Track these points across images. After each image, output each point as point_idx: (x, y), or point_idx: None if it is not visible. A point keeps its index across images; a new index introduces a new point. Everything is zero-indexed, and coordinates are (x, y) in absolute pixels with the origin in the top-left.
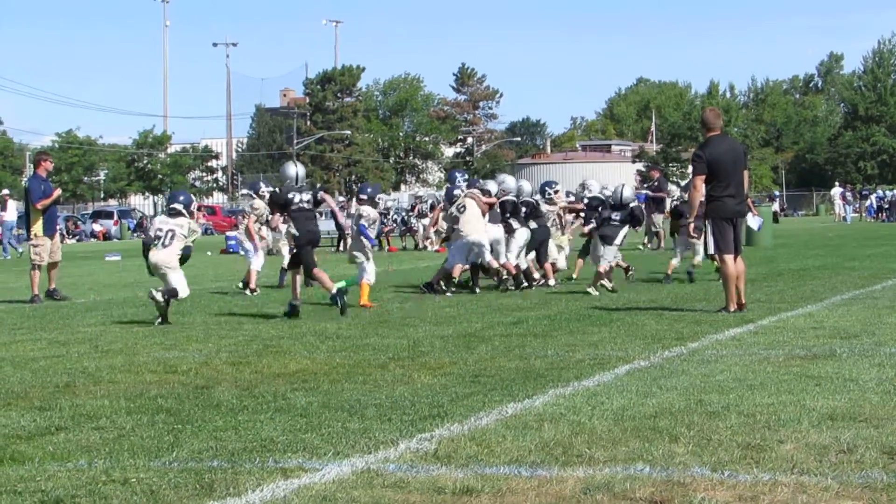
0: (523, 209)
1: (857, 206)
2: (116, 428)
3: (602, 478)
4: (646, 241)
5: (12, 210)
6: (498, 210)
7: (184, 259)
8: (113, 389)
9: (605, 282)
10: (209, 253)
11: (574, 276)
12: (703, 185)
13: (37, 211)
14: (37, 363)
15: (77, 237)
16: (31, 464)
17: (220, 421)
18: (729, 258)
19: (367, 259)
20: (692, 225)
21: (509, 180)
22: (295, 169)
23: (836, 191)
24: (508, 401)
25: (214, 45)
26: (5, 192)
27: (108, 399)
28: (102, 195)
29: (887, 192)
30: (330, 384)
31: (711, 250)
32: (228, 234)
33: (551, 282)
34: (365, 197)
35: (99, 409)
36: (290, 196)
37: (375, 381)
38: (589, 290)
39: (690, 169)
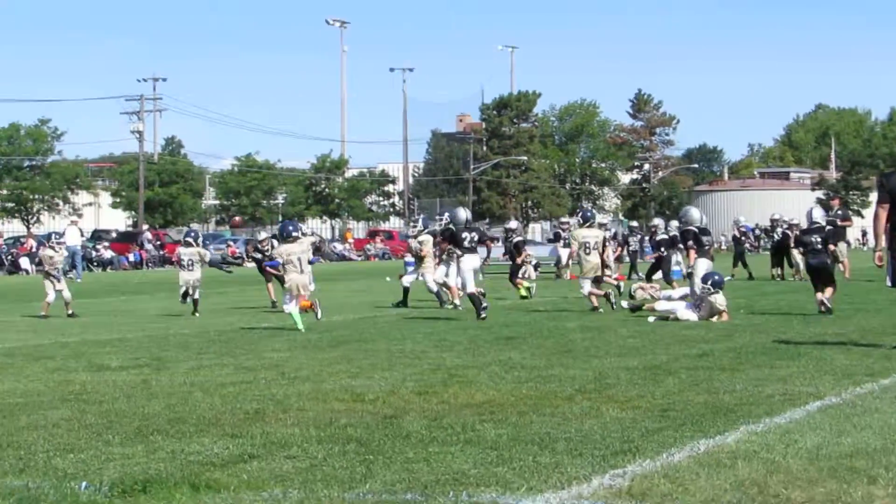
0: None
1: None
2: (308, 457)
3: None
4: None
5: (75, 236)
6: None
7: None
8: (302, 417)
9: None
10: (388, 279)
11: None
12: (884, 213)
13: None
14: (225, 389)
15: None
16: (226, 492)
17: (410, 452)
18: None
19: None
20: (877, 254)
21: (693, 212)
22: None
23: None
24: (700, 437)
25: (391, 70)
26: (73, 218)
27: (299, 427)
28: (280, 219)
29: None
30: (518, 416)
31: (889, 283)
32: (407, 259)
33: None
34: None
35: (290, 438)
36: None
37: (563, 413)
38: None
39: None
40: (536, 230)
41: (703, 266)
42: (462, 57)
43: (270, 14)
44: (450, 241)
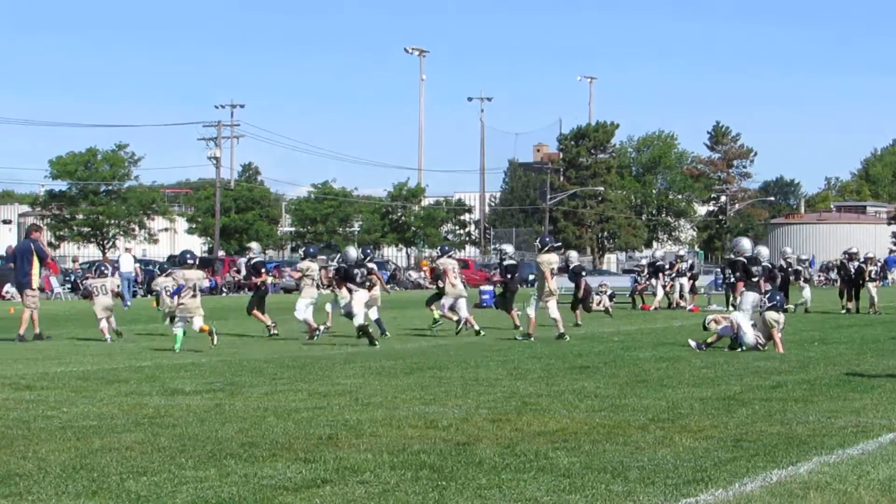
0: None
1: None
2: (381, 483)
3: None
4: None
5: (129, 263)
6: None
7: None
8: (375, 443)
9: None
10: None
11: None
12: None
13: (38, 267)
14: (299, 414)
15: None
16: None
17: (483, 479)
18: None
19: None
20: None
21: (744, 242)
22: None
23: None
24: (772, 467)
25: (469, 99)
26: (128, 245)
27: (371, 453)
28: (357, 246)
29: None
30: (591, 444)
31: None
32: (483, 287)
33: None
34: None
35: (363, 463)
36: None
37: (636, 442)
38: None
39: None
40: (612, 261)
41: (749, 299)
42: (540, 87)
43: (349, 42)
44: (344, 279)
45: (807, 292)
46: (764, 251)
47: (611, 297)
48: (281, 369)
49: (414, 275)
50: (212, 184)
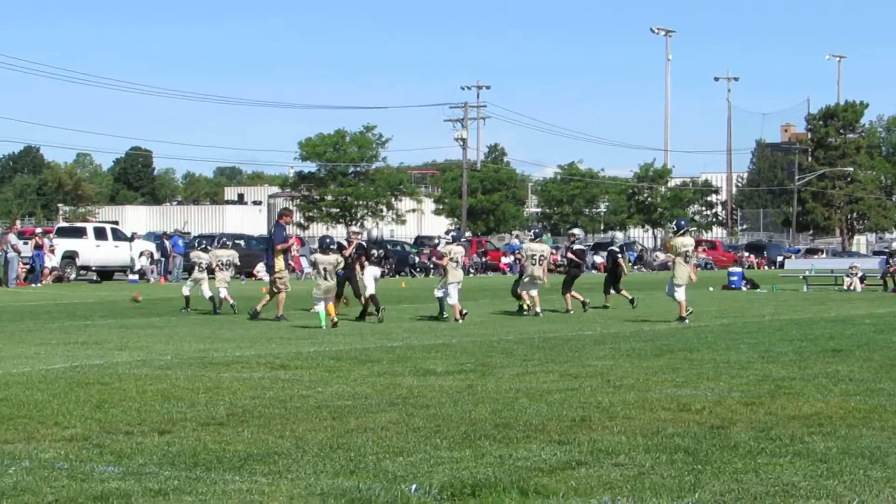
0: None
1: None
2: (636, 465)
3: None
4: None
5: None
6: None
7: None
8: (629, 425)
9: None
10: (711, 289)
11: None
12: None
13: (278, 251)
14: (551, 396)
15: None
16: (555, 498)
17: (739, 463)
18: None
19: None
20: None
21: None
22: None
23: None
24: None
25: (716, 79)
26: (353, 229)
27: (625, 435)
28: (602, 227)
29: None
30: (847, 429)
31: None
32: (731, 269)
33: None
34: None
35: (617, 446)
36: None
37: (894, 427)
38: None
39: None
40: (861, 242)
41: None
42: (787, 66)
43: (595, 22)
44: (364, 255)
45: None
46: None
47: (861, 280)
48: (531, 350)
49: (661, 256)
50: (458, 165)
